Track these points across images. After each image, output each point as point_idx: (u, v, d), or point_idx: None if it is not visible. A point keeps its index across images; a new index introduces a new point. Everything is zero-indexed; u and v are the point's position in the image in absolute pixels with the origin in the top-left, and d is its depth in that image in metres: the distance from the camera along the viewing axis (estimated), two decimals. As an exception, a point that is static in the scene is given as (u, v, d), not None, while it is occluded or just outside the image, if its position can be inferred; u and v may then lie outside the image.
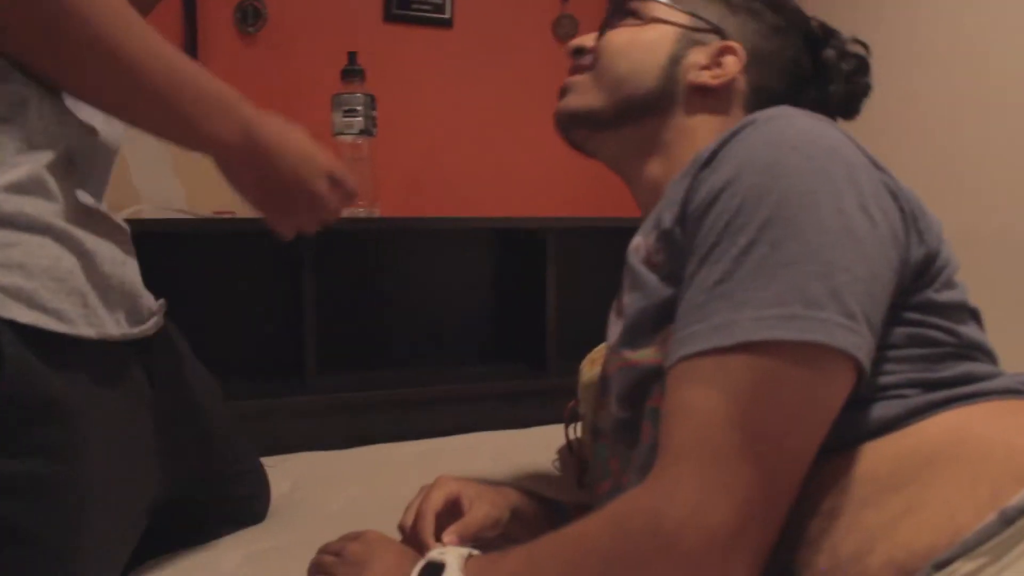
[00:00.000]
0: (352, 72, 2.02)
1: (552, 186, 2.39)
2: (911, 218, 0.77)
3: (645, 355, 0.83)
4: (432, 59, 2.30)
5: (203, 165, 1.97)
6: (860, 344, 0.70)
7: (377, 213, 2.03)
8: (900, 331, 0.77)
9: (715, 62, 0.99)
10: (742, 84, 1.00)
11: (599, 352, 1.67)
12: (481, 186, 2.33)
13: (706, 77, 0.98)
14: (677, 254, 0.80)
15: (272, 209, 1.03)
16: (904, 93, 1.89)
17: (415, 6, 2.28)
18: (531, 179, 2.38)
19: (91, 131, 0.91)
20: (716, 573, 0.66)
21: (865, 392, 0.74)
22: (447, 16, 2.31)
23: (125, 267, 0.95)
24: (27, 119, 0.81)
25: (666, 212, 0.82)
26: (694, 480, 0.67)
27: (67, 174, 0.85)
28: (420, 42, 2.29)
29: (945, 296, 0.79)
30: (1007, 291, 1.65)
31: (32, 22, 0.78)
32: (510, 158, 2.37)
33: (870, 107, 1.06)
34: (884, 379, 0.75)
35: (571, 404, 1.67)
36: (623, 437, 0.89)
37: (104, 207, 0.92)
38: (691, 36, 1.00)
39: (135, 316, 0.97)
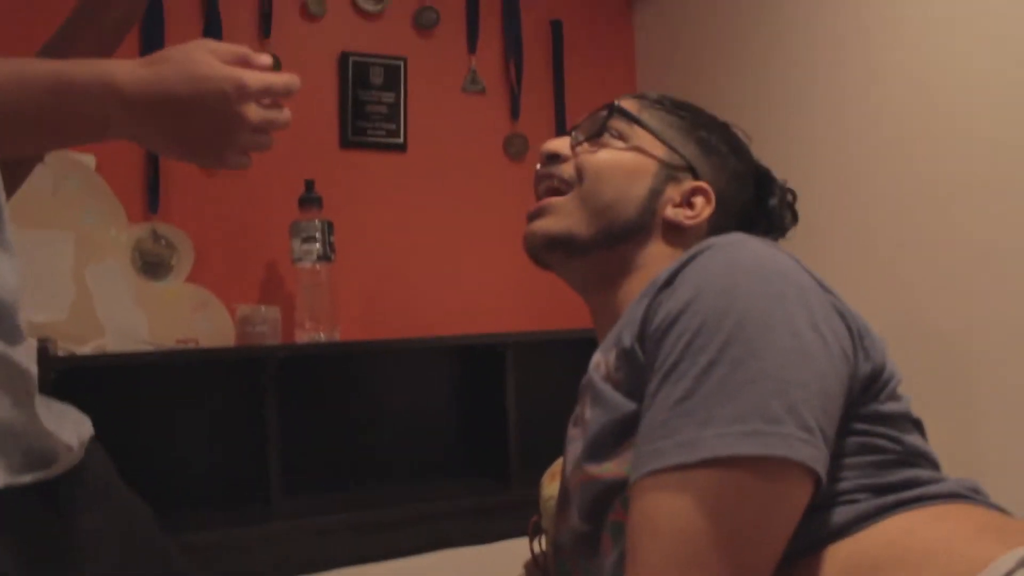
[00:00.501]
0: (309, 200, 2.08)
1: (508, 301, 2.44)
2: (858, 336, 0.81)
3: (607, 469, 0.85)
4: (388, 183, 2.37)
5: (163, 295, 2.01)
6: (817, 456, 0.73)
7: (337, 337, 2.07)
8: (850, 440, 0.81)
9: (686, 201, 1.03)
10: (704, 223, 1.03)
11: (558, 465, 1.70)
12: (439, 304, 2.38)
13: (681, 217, 1.02)
14: (637, 371, 0.83)
15: (207, 155, 0.90)
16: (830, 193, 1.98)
17: (370, 132, 2.36)
18: (488, 295, 2.43)
19: None
20: None
21: (821, 500, 0.77)
22: (401, 140, 2.39)
23: (22, 409, 0.90)
24: None
25: (625, 331, 0.85)
26: None
27: None
28: (376, 167, 2.36)
29: (890, 407, 0.83)
30: (937, 387, 1.71)
31: None
32: (466, 275, 2.42)
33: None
34: (837, 485, 0.79)
35: (534, 519, 1.69)
36: (582, 550, 0.91)
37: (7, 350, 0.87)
38: (669, 172, 1.03)
39: (34, 460, 0.92)
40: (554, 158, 1.07)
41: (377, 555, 1.89)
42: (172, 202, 2.13)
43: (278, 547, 1.86)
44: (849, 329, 0.81)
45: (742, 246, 0.82)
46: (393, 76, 2.39)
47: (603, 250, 1.02)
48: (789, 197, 1.14)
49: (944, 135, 1.77)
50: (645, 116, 1.07)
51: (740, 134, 1.13)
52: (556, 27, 2.62)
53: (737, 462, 0.71)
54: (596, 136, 1.06)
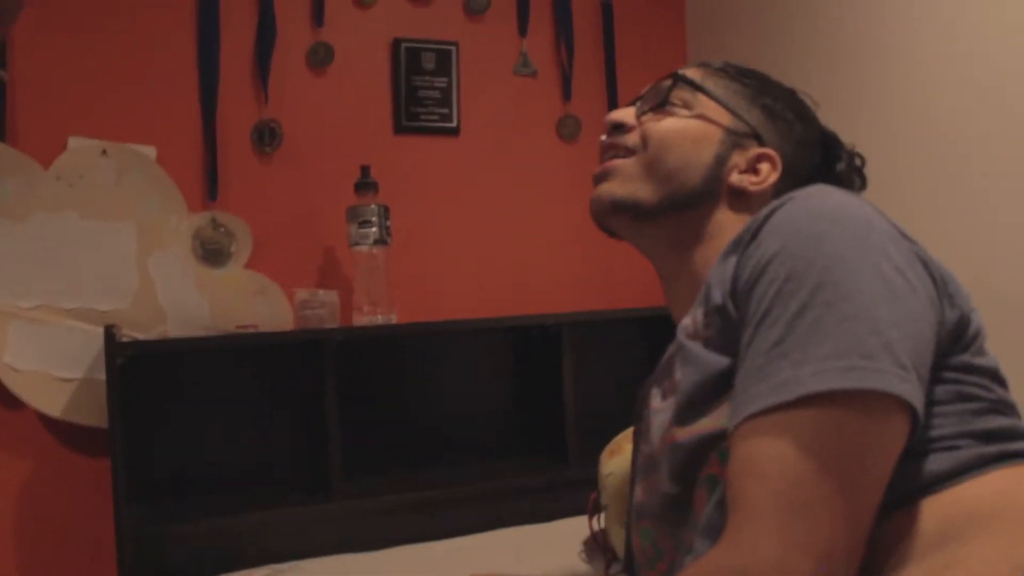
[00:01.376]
0: (365, 184, 2.10)
1: (563, 282, 2.44)
2: (941, 284, 0.81)
3: (701, 425, 0.85)
4: (442, 166, 2.38)
5: (223, 281, 2.05)
6: (914, 393, 0.73)
7: (394, 319, 2.09)
8: (941, 388, 0.80)
9: (752, 168, 1.03)
10: (770, 189, 1.03)
11: (618, 443, 1.70)
12: (495, 286, 2.39)
13: (746, 183, 1.02)
14: (729, 327, 0.83)
15: None
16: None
17: (423, 117, 2.37)
18: (543, 276, 2.43)
19: None
20: None
21: (917, 445, 0.77)
22: (454, 124, 2.40)
23: None
24: None
25: (715, 289, 0.86)
26: (774, 537, 0.69)
27: None
28: (429, 151, 2.38)
29: (979, 361, 0.83)
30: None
31: None
32: (521, 257, 2.43)
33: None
34: (934, 432, 0.78)
35: (593, 496, 1.69)
36: (671, 515, 0.91)
37: None
38: (734, 139, 1.04)
39: None
40: (619, 127, 1.07)
41: (436, 535, 1.91)
42: (230, 190, 2.17)
43: (338, 527, 1.89)
44: (932, 277, 0.81)
45: (824, 195, 0.83)
46: (445, 61, 2.40)
47: (670, 216, 1.02)
48: (858, 162, 1.13)
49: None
50: (709, 84, 1.07)
51: (807, 100, 1.13)
52: (607, 8, 2.60)
53: (835, 397, 0.71)
54: (661, 105, 1.06)
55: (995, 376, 0.85)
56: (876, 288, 0.75)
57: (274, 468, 2.04)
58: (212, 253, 2.10)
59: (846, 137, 1.13)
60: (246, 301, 2.10)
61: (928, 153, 1.90)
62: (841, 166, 1.10)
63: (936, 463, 0.77)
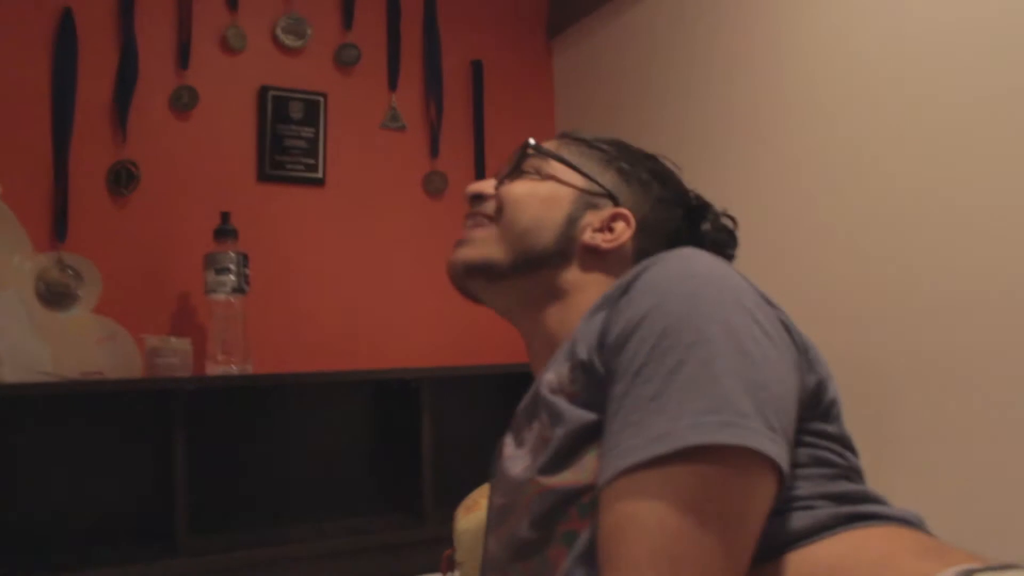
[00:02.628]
0: (225, 231, 2.06)
1: (424, 336, 2.43)
2: (803, 349, 0.84)
3: (564, 478, 0.85)
4: (305, 216, 2.35)
5: (68, 325, 1.96)
6: (782, 455, 0.75)
7: (250, 370, 2.03)
8: (801, 452, 0.83)
9: (607, 226, 1.05)
10: (629, 248, 1.06)
11: (473, 499, 1.69)
12: (355, 339, 2.36)
13: (599, 240, 1.04)
14: (595, 384, 0.83)
15: None
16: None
17: (288, 166, 2.34)
18: (404, 330, 2.41)
19: None
20: None
21: (780, 504, 0.78)
22: (319, 175, 2.38)
23: None
24: None
25: (580, 345, 0.86)
26: None
27: None
28: (293, 200, 2.34)
29: (834, 428, 0.86)
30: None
31: None
32: (382, 311, 2.40)
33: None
34: (794, 492, 0.81)
35: (448, 552, 1.67)
36: (520, 565, 0.90)
37: None
38: (587, 199, 1.06)
39: None
40: (478, 198, 1.09)
41: (287, 594, 1.85)
42: (81, 231, 2.08)
43: (183, 585, 1.80)
44: (795, 343, 0.83)
45: (695, 257, 0.84)
46: (313, 111, 2.39)
47: (522, 276, 1.04)
48: (726, 222, 1.16)
49: (871, 162, 1.82)
50: (564, 151, 1.10)
51: (667, 163, 1.16)
52: (476, 67, 2.64)
53: (712, 452, 0.72)
54: (514, 173, 1.09)
55: (847, 444, 0.88)
56: (749, 349, 0.77)
57: (119, 522, 1.94)
58: (58, 295, 2.01)
59: (714, 200, 1.17)
60: (92, 347, 2.01)
61: (794, 216, 1.97)
62: (707, 226, 1.13)
63: (797, 521, 0.79)
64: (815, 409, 0.85)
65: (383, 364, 2.31)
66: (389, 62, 2.53)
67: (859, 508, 0.82)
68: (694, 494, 0.71)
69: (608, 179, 1.08)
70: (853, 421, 0.93)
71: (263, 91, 2.34)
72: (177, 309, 2.16)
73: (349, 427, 2.24)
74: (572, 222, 1.04)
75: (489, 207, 1.08)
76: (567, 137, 1.13)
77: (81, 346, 2.00)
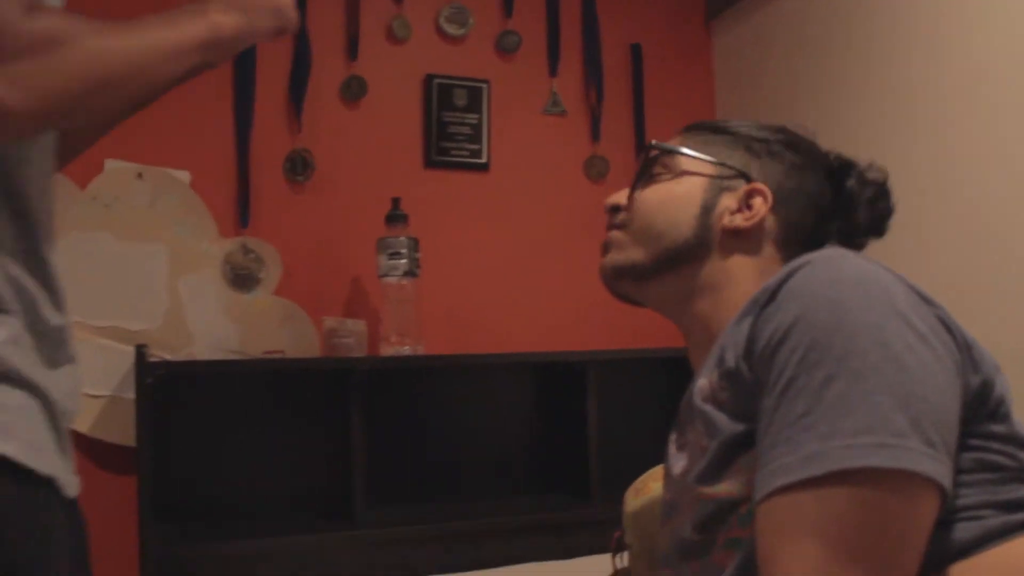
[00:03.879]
0: (396, 216, 2.12)
1: (590, 319, 2.45)
2: (965, 349, 0.81)
3: (721, 489, 0.86)
4: (470, 201, 2.40)
5: (251, 306, 2.06)
6: (943, 472, 0.73)
7: (422, 351, 2.10)
8: (966, 456, 0.80)
9: (745, 204, 1.04)
10: (771, 222, 1.05)
11: (643, 481, 1.70)
12: (521, 321, 2.39)
13: (739, 220, 1.03)
14: (743, 391, 0.84)
15: (269, 19, 1.05)
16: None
17: (453, 152, 2.40)
18: (569, 313, 2.44)
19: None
20: None
21: (944, 514, 0.76)
22: (484, 160, 2.43)
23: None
24: None
25: (728, 352, 0.87)
26: None
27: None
28: (459, 186, 2.40)
29: (1003, 428, 0.83)
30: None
31: (65, 90, 0.84)
32: (548, 293, 2.43)
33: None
34: (959, 501, 0.78)
35: (617, 534, 1.68)
36: (689, 560, 0.92)
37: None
38: (720, 184, 1.06)
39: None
40: (615, 210, 1.12)
41: (456, 567, 1.90)
42: (262, 217, 2.19)
43: (360, 554, 1.88)
44: (957, 342, 0.81)
45: (842, 260, 0.83)
46: (476, 98, 2.43)
47: (667, 272, 1.05)
48: (874, 175, 1.12)
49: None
50: (689, 143, 1.10)
51: (799, 130, 1.14)
52: (636, 50, 2.64)
53: (866, 474, 0.72)
54: (644, 177, 1.10)
55: (1019, 442, 0.84)
56: (903, 358, 0.75)
57: (298, 493, 2.04)
58: (242, 278, 2.11)
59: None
60: (274, 327, 2.11)
61: (949, 211, 1.91)
62: (851, 183, 1.11)
63: (962, 532, 0.77)
64: (981, 409, 0.82)
65: (547, 346, 2.34)
66: (549, 48, 2.55)
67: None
68: (854, 520, 0.71)
69: (737, 158, 1.07)
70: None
71: (428, 79, 2.40)
72: (351, 292, 2.25)
73: (515, 408, 2.28)
74: (708, 210, 1.04)
75: (623, 216, 1.10)
76: (689, 130, 1.13)
77: (264, 326, 2.10)
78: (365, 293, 2.24)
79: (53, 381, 0.92)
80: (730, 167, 1.07)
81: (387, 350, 2.06)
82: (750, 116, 2.54)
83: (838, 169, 1.12)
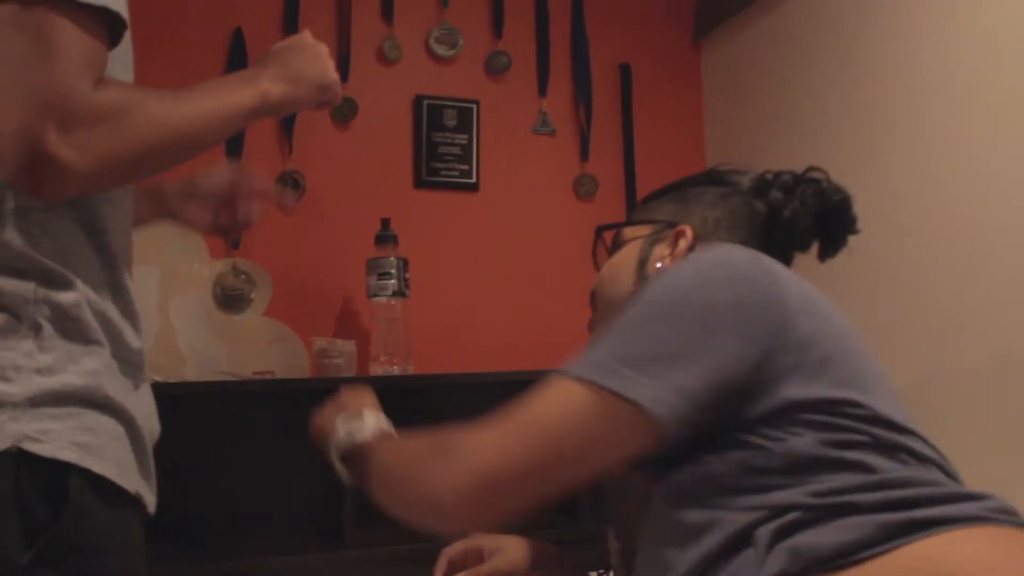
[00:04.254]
0: (385, 237, 2.14)
1: (579, 338, 2.44)
2: (778, 329, 0.90)
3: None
4: (460, 221, 2.41)
5: (242, 327, 2.07)
6: (667, 409, 0.87)
7: (411, 370, 2.11)
8: (801, 440, 0.88)
9: (673, 246, 1.16)
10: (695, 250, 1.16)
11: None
12: (511, 340, 2.40)
13: (667, 261, 1.15)
14: None
15: (315, 93, 1.17)
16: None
17: (443, 172, 2.42)
18: (559, 332, 2.44)
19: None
20: (457, 495, 0.92)
21: (806, 506, 0.84)
22: (473, 180, 2.44)
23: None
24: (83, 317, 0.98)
25: None
26: (496, 434, 0.92)
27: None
28: (448, 206, 2.41)
29: (843, 394, 0.90)
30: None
31: (129, 149, 0.93)
32: (538, 312, 2.45)
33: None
34: (816, 493, 0.84)
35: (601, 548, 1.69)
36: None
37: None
38: (653, 238, 1.19)
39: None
40: (592, 298, 1.25)
41: (448, 587, 1.90)
42: (252, 239, 2.20)
43: (350, 575, 1.88)
44: (767, 323, 0.90)
45: (708, 248, 1.00)
46: (466, 118, 2.45)
47: None
48: (807, 190, 1.21)
49: None
50: (634, 216, 1.27)
51: (724, 166, 1.27)
52: (625, 70, 2.66)
53: (595, 388, 0.88)
54: (601, 257, 1.28)
55: (874, 417, 0.89)
56: (695, 316, 0.90)
57: (288, 513, 2.04)
58: (232, 299, 2.13)
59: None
60: (264, 348, 2.12)
61: (933, 218, 1.93)
62: (776, 195, 1.20)
63: (835, 534, 0.81)
64: (803, 381, 0.89)
65: (536, 365, 2.34)
66: (539, 68, 2.57)
67: (915, 514, 0.81)
68: (558, 410, 0.89)
69: (666, 211, 1.22)
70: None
71: (418, 100, 2.42)
72: (341, 312, 2.26)
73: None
74: (643, 263, 1.16)
75: (595, 301, 1.24)
76: (643, 200, 1.30)
77: (254, 347, 2.11)
78: (355, 313, 2.26)
79: (135, 404, 1.04)
80: (659, 221, 1.21)
81: (377, 370, 2.07)
82: (738, 134, 2.58)
83: (760, 187, 1.22)
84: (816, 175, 1.21)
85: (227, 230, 1.41)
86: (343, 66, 2.34)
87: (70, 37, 0.88)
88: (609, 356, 0.89)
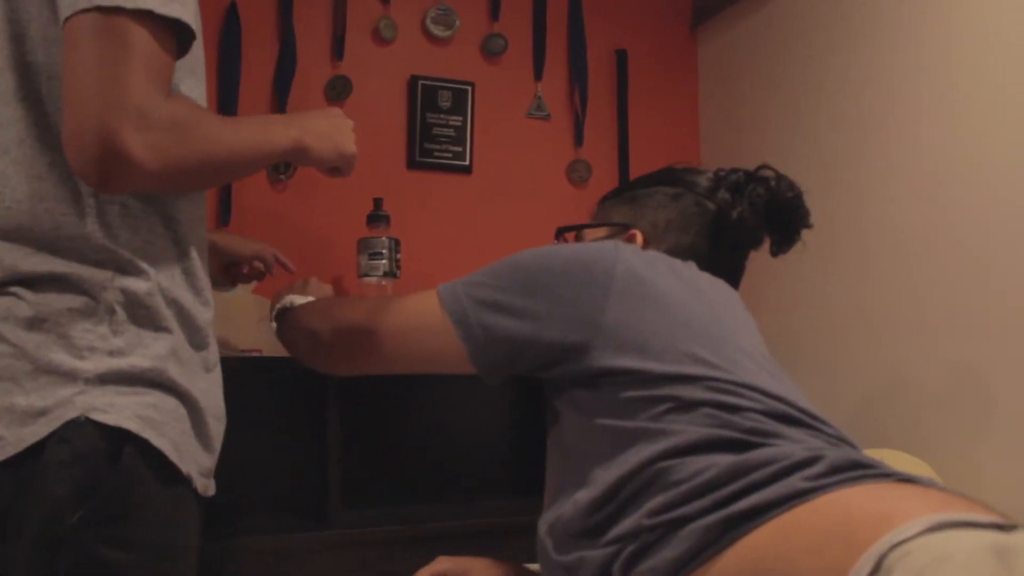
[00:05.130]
0: (377, 217, 2.12)
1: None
2: (591, 314, 1.07)
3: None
4: (453, 203, 2.40)
5: (231, 305, 2.05)
6: (476, 345, 1.15)
7: (401, 351, 2.09)
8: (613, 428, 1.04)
9: None
10: (660, 249, 1.25)
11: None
12: (500, 324, 2.39)
13: None
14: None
15: (336, 158, 1.31)
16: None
17: (437, 154, 2.40)
18: (548, 316, 2.44)
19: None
20: (320, 339, 1.36)
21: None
22: (467, 163, 2.43)
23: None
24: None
25: None
26: (364, 303, 1.38)
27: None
28: (442, 187, 2.40)
29: (650, 366, 1.06)
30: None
31: (189, 163, 1.02)
32: (527, 296, 2.44)
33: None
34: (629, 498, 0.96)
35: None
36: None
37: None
38: (609, 238, 1.29)
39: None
40: None
41: (432, 569, 1.89)
42: (243, 216, 2.18)
43: (335, 556, 1.88)
44: (583, 308, 1.07)
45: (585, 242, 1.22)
46: (461, 100, 2.44)
47: None
48: (756, 190, 1.29)
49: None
50: (593, 217, 1.39)
51: (679, 166, 1.36)
52: (621, 56, 2.65)
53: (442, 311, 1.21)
54: None
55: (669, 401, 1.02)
56: (517, 266, 1.18)
57: (272, 493, 2.03)
58: (222, 276, 2.11)
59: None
60: (253, 326, 2.10)
61: (925, 218, 1.93)
62: (723, 195, 1.29)
63: (669, 547, 0.86)
64: (610, 345, 1.04)
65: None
66: (535, 51, 2.56)
67: (735, 508, 0.81)
68: (424, 310, 1.28)
69: (621, 214, 1.30)
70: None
71: (413, 80, 2.40)
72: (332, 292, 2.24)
73: (494, 410, 2.28)
74: None
75: None
76: (602, 200, 1.40)
77: (242, 325, 2.09)
78: (345, 293, 2.24)
79: (204, 388, 1.15)
80: (614, 224, 1.30)
81: (366, 350, 2.06)
82: (733, 123, 2.57)
83: (712, 189, 1.27)
84: (766, 173, 1.28)
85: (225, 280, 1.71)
86: (338, 45, 2.33)
87: (147, 46, 0.97)
88: (469, 299, 1.15)
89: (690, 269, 1.18)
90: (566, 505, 1.05)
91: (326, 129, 1.28)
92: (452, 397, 2.23)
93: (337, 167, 1.35)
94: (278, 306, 1.49)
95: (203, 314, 1.16)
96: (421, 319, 1.19)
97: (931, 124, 1.94)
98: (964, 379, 1.80)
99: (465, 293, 1.16)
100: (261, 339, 2.10)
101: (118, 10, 0.95)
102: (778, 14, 2.42)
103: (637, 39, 2.68)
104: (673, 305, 1.07)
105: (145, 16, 0.97)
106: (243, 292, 2.11)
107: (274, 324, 1.47)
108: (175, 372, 1.08)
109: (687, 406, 0.97)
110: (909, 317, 1.95)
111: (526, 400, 2.29)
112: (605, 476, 0.98)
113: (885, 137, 2.06)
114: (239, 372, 2.02)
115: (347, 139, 1.33)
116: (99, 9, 0.94)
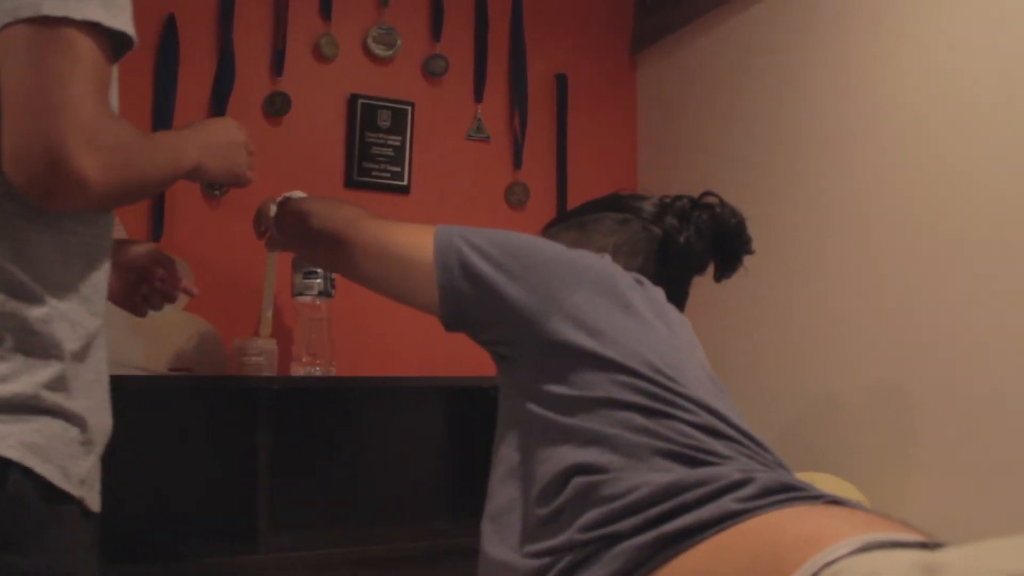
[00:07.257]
0: (313, 235, 2.09)
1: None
2: (569, 308, 1.10)
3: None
4: (390, 223, 2.38)
5: (160, 323, 2.01)
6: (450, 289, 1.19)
7: (333, 372, 2.07)
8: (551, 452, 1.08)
9: None
10: None
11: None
12: (435, 345, 2.37)
13: None
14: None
15: (229, 175, 1.34)
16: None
17: (375, 173, 2.39)
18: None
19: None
20: (342, 237, 1.35)
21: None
22: (405, 183, 2.42)
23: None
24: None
25: None
26: (376, 221, 1.38)
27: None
28: (379, 207, 2.33)
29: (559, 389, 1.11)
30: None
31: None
32: (464, 318, 2.43)
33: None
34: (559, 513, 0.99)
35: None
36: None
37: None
38: None
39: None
40: None
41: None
42: (176, 231, 2.15)
43: (262, 580, 1.84)
44: (556, 281, 1.12)
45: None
46: (400, 120, 2.43)
47: None
48: (683, 204, 1.33)
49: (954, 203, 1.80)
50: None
51: (624, 192, 1.39)
52: (561, 80, 2.66)
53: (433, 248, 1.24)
54: None
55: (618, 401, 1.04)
56: (510, 241, 1.21)
57: (200, 515, 1.99)
58: (151, 293, 2.06)
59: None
60: (182, 344, 2.07)
61: (885, 239, 1.96)
62: (671, 220, 1.31)
63: (597, 566, 0.87)
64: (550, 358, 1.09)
65: (460, 371, 2.33)
66: (476, 73, 2.56)
67: (667, 527, 0.83)
68: (418, 243, 1.25)
69: (569, 239, 1.31)
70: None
71: (353, 99, 2.39)
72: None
73: (428, 431, 2.27)
74: None
75: None
76: (548, 226, 1.43)
77: (172, 343, 2.05)
78: (278, 312, 2.21)
79: (91, 407, 1.10)
80: None
81: (298, 370, 2.04)
82: (670, 148, 2.60)
83: (657, 214, 1.33)
84: (710, 200, 1.30)
85: (137, 305, 1.59)
86: (278, 61, 2.31)
87: (94, 59, 0.96)
88: (461, 238, 1.20)
89: (659, 292, 1.21)
90: (500, 496, 1.14)
91: (222, 149, 1.30)
92: (386, 418, 2.21)
93: (231, 184, 1.39)
94: (275, 200, 1.54)
95: (92, 324, 1.10)
96: (412, 236, 1.24)
97: (860, 152, 1.98)
98: (888, 401, 1.84)
99: (459, 232, 1.21)
100: (191, 359, 2.06)
101: (66, 21, 0.92)
102: (716, 42, 2.46)
103: (578, 64, 2.70)
104: (636, 315, 1.10)
105: (92, 28, 0.95)
106: (173, 311, 2.07)
107: (274, 208, 1.50)
108: (60, 396, 1.03)
109: (623, 406, 1.01)
110: (833, 341, 1.98)
111: (464, 419, 2.28)
112: (541, 470, 1.03)
113: (816, 166, 2.10)
114: (167, 392, 1.99)
115: (240, 158, 1.35)
116: (45, 19, 0.92)
